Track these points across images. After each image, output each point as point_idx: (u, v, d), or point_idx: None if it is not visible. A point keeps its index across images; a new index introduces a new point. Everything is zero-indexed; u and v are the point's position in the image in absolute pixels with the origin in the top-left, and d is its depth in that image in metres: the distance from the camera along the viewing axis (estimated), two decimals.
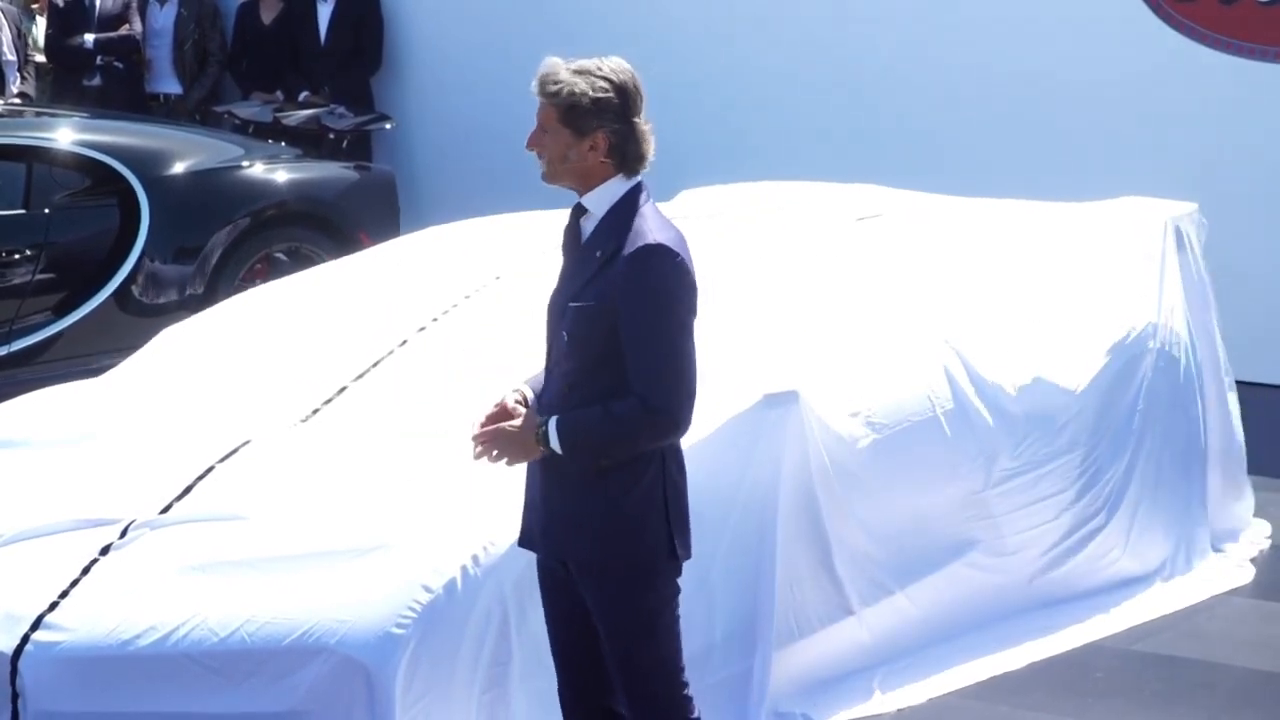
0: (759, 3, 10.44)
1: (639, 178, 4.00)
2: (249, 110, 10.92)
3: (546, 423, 3.92)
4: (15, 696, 4.58)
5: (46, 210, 8.29)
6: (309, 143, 10.36)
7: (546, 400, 4.03)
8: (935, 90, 9.95)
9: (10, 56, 11.29)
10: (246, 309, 6.61)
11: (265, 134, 10.30)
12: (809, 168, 8.62)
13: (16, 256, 8.17)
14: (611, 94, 3.94)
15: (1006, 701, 5.58)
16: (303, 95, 11.15)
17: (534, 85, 3.98)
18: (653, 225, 3.94)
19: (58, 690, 4.57)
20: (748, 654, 5.17)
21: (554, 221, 6.69)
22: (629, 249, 3.90)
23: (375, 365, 5.64)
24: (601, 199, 3.99)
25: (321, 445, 5.23)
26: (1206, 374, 6.87)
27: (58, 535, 4.94)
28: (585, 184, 3.99)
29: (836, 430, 5.41)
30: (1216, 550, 6.78)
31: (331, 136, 10.61)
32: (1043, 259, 6.68)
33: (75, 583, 4.74)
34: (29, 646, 4.59)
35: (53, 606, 4.68)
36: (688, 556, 4.06)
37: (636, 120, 3.97)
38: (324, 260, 8.31)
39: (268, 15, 11.52)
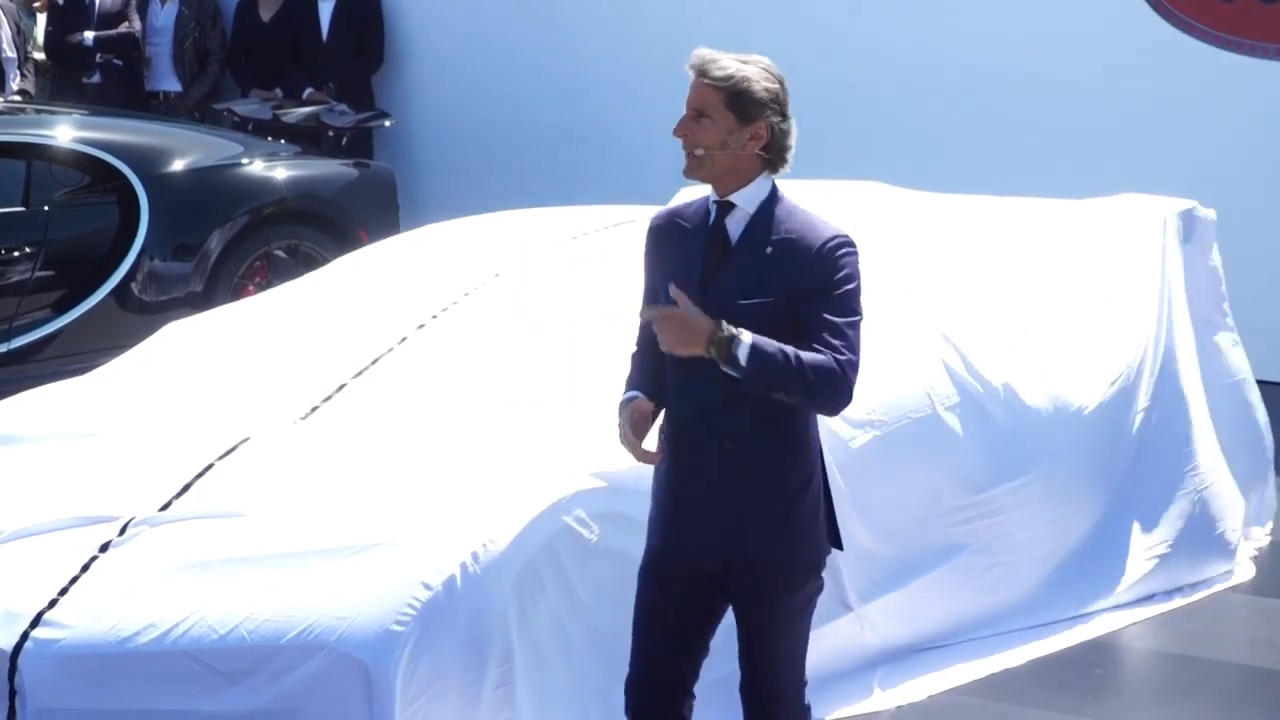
0: (764, 4, 10.43)
1: (777, 176, 4.03)
2: (248, 108, 10.90)
3: (737, 332, 3.82)
4: (14, 694, 4.58)
5: (46, 207, 8.28)
6: (308, 140, 10.35)
7: (705, 403, 3.96)
8: (936, 87, 9.95)
9: (10, 54, 11.28)
10: (248, 308, 6.61)
11: (265, 131, 10.29)
12: (808, 165, 8.60)
13: (16, 254, 8.16)
14: (777, 86, 4.00)
15: (1006, 699, 5.58)
16: (306, 92, 11.14)
17: (692, 69, 3.94)
18: (820, 218, 4.00)
19: (57, 687, 4.56)
20: None
21: (554, 219, 6.73)
22: (816, 241, 3.93)
23: (375, 362, 5.63)
24: (752, 195, 3.99)
25: (321, 442, 5.22)
26: (1219, 369, 6.86)
27: (57, 532, 4.94)
28: (732, 178, 3.97)
29: (836, 427, 5.40)
30: (1220, 548, 6.76)
31: (331, 134, 10.60)
32: (1043, 255, 6.67)
33: (74, 580, 4.74)
34: (28, 644, 4.59)
35: (52, 604, 4.67)
36: (841, 547, 4.19)
37: (791, 117, 4.03)
38: (324, 257, 8.31)
39: (266, 13, 11.51)
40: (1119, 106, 9.52)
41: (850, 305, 3.95)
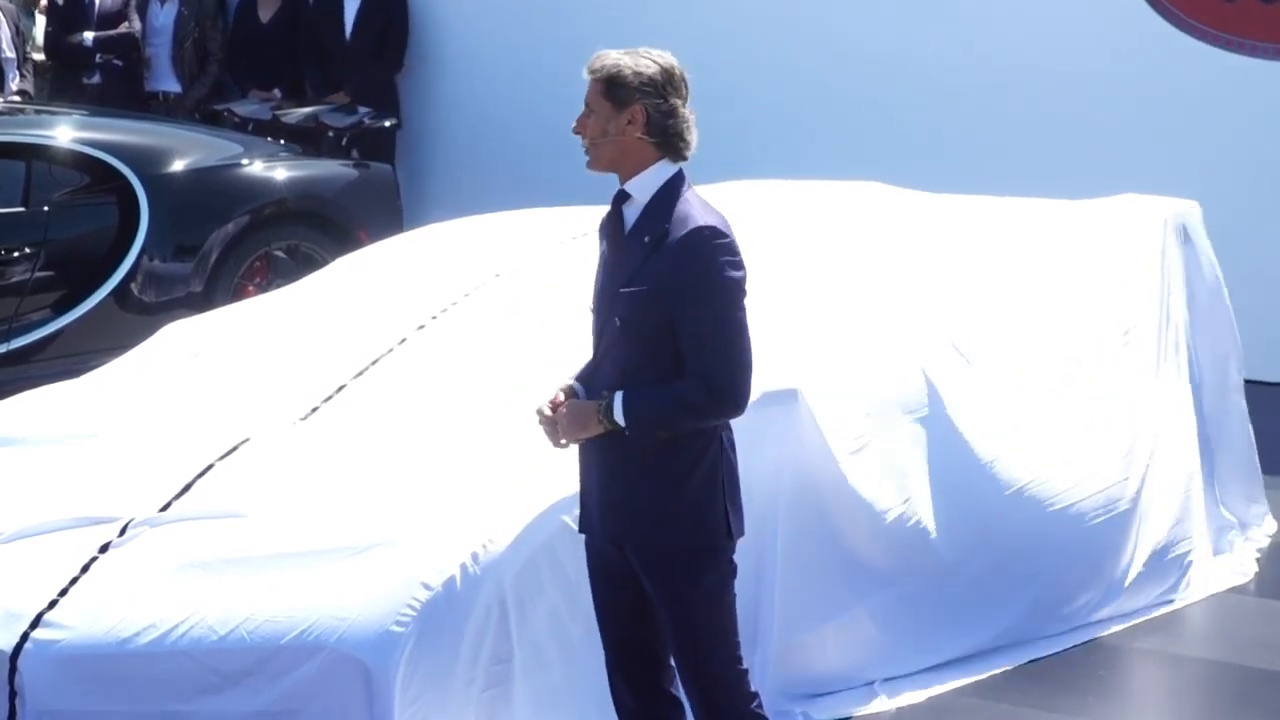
0: (767, 6, 10.43)
1: (682, 164, 4.09)
2: (248, 108, 10.88)
3: (611, 398, 4.01)
4: (14, 694, 4.57)
5: (46, 208, 8.28)
6: (308, 141, 10.32)
7: (600, 389, 4.11)
8: (935, 87, 9.95)
9: (9, 54, 11.27)
10: (247, 308, 6.61)
11: (264, 132, 10.27)
12: (807, 165, 8.61)
13: (16, 254, 8.16)
14: (654, 71, 4.05)
15: (1007, 700, 5.57)
16: (326, 98, 11.06)
17: (584, 70, 4.08)
18: (698, 209, 4.05)
19: (57, 688, 4.56)
20: (748, 652, 5.12)
21: (554, 219, 6.73)
22: (677, 233, 4.00)
23: (375, 363, 5.63)
24: (645, 184, 4.07)
25: (321, 443, 5.22)
26: (1214, 370, 6.86)
27: (57, 533, 4.94)
28: (625, 165, 4.07)
29: (837, 428, 5.40)
30: (1222, 548, 6.76)
31: (331, 134, 10.57)
32: (1043, 256, 6.67)
33: (75, 581, 4.74)
34: (28, 644, 4.59)
35: (52, 604, 4.67)
36: (742, 534, 4.17)
37: (677, 102, 4.07)
38: (324, 258, 8.31)
39: (265, 13, 11.50)
40: (1119, 106, 9.52)
41: (714, 305, 3.99)
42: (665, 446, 4.05)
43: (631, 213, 4.09)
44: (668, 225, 4.01)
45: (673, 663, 4.28)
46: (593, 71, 4.07)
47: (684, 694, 4.25)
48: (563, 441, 4.16)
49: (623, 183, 4.10)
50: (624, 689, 4.30)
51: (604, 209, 4.21)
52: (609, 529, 4.16)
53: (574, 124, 4.10)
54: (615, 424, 4.02)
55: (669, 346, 4.02)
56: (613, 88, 4.04)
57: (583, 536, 4.30)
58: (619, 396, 4.01)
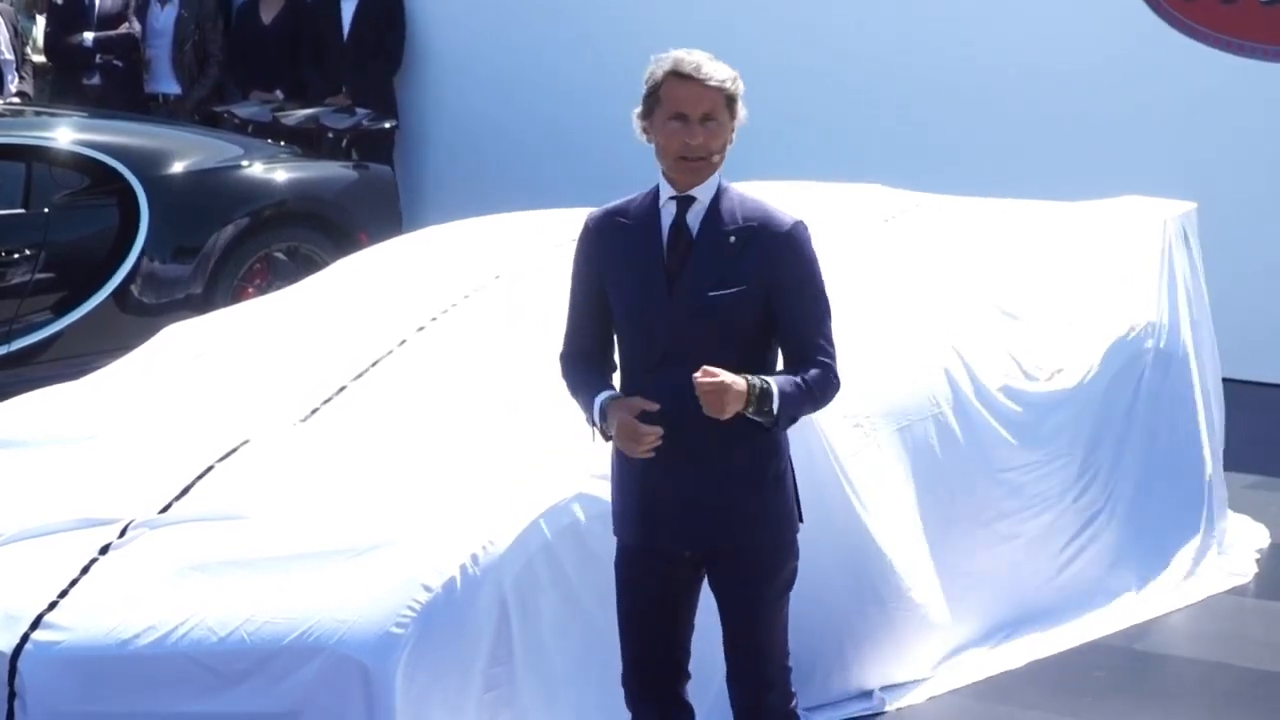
0: (771, 4, 10.43)
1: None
2: (248, 110, 10.89)
3: (768, 385, 3.90)
4: (13, 696, 4.58)
5: (46, 210, 8.28)
6: (307, 142, 10.33)
7: (683, 395, 3.94)
8: (934, 89, 9.96)
9: (8, 55, 11.27)
10: (247, 310, 6.61)
11: (265, 134, 10.28)
12: (810, 167, 8.62)
13: (16, 256, 8.16)
14: None
15: (1007, 701, 5.58)
16: (327, 102, 11.03)
17: (684, 74, 3.98)
18: (771, 203, 4.07)
19: (57, 690, 4.57)
20: None
21: (554, 221, 6.73)
22: (773, 229, 4.00)
23: (374, 365, 5.63)
24: (709, 187, 4.05)
25: (321, 445, 5.22)
26: (1205, 373, 6.87)
27: (57, 535, 4.94)
28: (710, 174, 4.04)
29: (838, 431, 5.40)
30: (1218, 549, 6.77)
31: (330, 136, 10.58)
32: (1044, 258, 6.67)
33: (74, 582, 4.74)
34: (28, 646, 4.59)
35: (52, 606, 4.67)
36: (802, 519, 4.23)
37: None
38: (324, 260, 8.31)
39: (268, 14, 11.50)
40: (1119, 107, 9.52)
41: (823, 293, 4.05)
42: (760, 447, 4.04)
43: (694, 218, 4.03)
44: (753, 223, 4.00)
45: (689, 668, 4.27)
46: (716, 80, 3.98)
47: (716, 696, 4.24)
48: (652, 442, 3.96)
49: (688, 189, 4.02)
50: (642, 699, 4.27)
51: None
52: (705, 536, 4.09)
53: (696, 139, 3.96)
54: (765, 412, 3.90)
55: (760, 343, 4.01)
56: (733, 101, 4.02)
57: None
58: (775, 383, 3.91)
